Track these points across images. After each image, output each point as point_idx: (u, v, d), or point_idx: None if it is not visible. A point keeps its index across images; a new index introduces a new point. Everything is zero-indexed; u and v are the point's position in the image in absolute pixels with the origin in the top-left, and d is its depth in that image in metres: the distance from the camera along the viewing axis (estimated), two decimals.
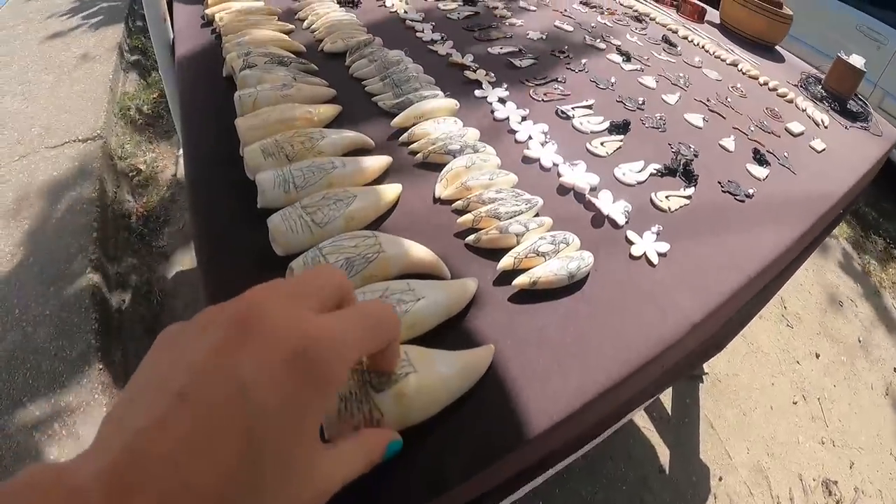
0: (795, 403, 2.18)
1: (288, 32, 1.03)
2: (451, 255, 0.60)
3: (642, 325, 0.57)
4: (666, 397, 2.02)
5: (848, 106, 1.33)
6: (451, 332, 0.52)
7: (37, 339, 1.77)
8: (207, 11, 1.10)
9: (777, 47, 1.59)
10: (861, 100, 1.40)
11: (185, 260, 2.24)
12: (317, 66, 0.90)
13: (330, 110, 0.77)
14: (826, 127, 1.18)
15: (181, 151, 2.74)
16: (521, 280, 0.56)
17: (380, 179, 0.69)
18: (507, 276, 0.58)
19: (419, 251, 0.56)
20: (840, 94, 1.35)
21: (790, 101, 1.24)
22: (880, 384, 2.41)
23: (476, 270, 0.59)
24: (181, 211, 2.47)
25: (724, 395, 2.11)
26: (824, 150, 1.07)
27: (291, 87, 0.78)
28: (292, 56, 0.90)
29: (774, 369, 2.29)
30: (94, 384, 1.66)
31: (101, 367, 1.70)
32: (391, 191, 0.64)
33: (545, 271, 0.57)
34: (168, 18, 1.19)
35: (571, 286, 0.59)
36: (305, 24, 1.08)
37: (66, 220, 2.25)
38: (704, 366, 2.12)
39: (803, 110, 1.21)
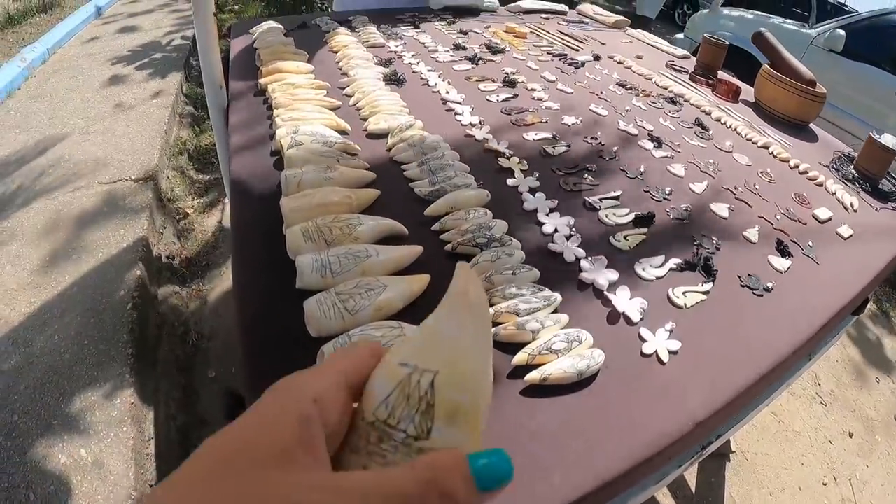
0: (825, 484, 2.14)
1: (335, 109, 1.11)
2: None
3: (646, 423, 0.61)
4: (690, 475, 2.00)
5: (880, 185, 1.36)
6: None
7: (72, 365, 1.85)
8: (261, 81, 1.19)
9: (811, 125, 1.62)
10: (894, 178, 1.42)
11: (223, 306, 2.33)
12: (360, 147, 0.98)
13: (368, 195, 0.84)
14: (855, 210, 1.20)
15: (227, 199, 2.86)
16: (531, 376, 0.61)
17: (411, 266, 0.74)
18: (521, 370, 0.63)
19: None
20: (872, 174, 1.38)
21: (820, 185, 1.26)
22: None
23: (493, 361, 0.63)
24: (223, 257, 2.57)
25: (751, 475, 2.08)
26: (851, 236, 1.09)
27: (335, 170, 0.85)
28: (337, 136, 0.98)
29: (805, 449, 2.26)
30: (124, 417, 1.72)
31: (132, 401, 1.77)
32: (419, 282, 0.70)
33: (555, 368, 0.61)
34: (224, 85, 1.28)
35: (582, 382, 0.63)
36: (352, 101, 1.16)
37: (112, 254, 2.36)
38: (732, 444, 2.10)
39: (833, 193, 1.24)
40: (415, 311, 0.68)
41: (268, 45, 1.37)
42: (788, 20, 5.51)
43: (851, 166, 1.41)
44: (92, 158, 3.07)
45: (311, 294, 0.66)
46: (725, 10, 5.76)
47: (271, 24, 1.55)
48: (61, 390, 1.79)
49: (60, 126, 3.44)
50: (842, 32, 4.50)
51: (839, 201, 1.22)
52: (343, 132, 1.03)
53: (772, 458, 2.16)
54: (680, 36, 6.09)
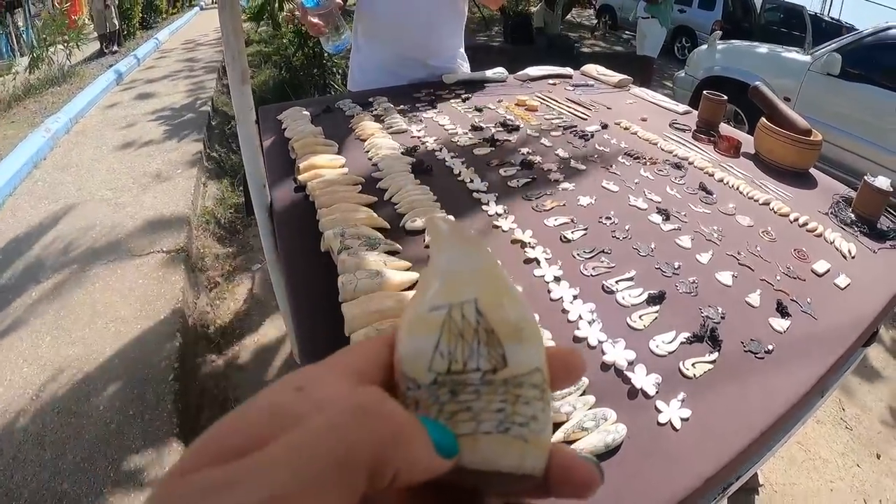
0: None
1: (371, 204, 1.29)
2: None
3: (661, 483, 0.77)
4: None
5: (878, 225, 1.48)
6: None
7: (119, 435, 2.03)
8: (299, 178, 1.37)
9: (811, 171, 1.75)
10: (892, 214, 1.54)
11: (259, 372, 2.50)
12: (400, 246, 1.16)
13: None
14: (853, 257, 1.33)
15: (257, 267, 3.03)
16: None
17: None
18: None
19: None
20: (868, 215, 1.49)
21: (819, 235, 1.40)
22: None
23: None
24: (256, 325, 2.74)
25: None
26: (848, 285, 1.22)
27: (382, 275, 1.02)
28: (380, 237, 1.16)
29: (833, 475, 2.34)
30: None
31: None
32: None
33: (587, 444, 0.78)
34: (267, 185, 1.46)
35: (608, 452, 0.79)
36: (387, 195, 1.34)
37: (149, 325, 2.55)
38: (760, 477, 2.19)
39: (831, 242, 1.37)
40: None
41: (299, 135, 1.55)
42: (785, 48, 5.72)
43: (849, 210, 1.53)
44: (123, 230, 3.28)
45: None
46: (722, 45, 6.00)
47: (299, 111, 1.73)
48: (109, 459, 1.95)
49: (89, 196, 3.65)
50: (837, 56, 4.71)
51: (837, 250, 1.35)
52: (383, 229, 1.21)
53: (800, 488, 2.26)
54: (681, 74, 6.35)
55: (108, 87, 6.37)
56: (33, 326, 2.60)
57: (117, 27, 9.86)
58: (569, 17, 13.86)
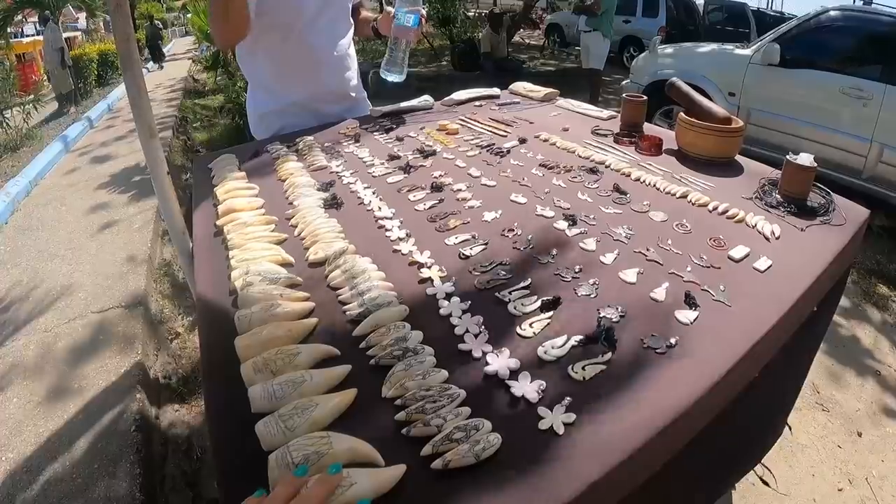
0: (841, 490, 2.20)
1: (281, 242, 1.31)
2: (391, 443, 0.82)
3: (540, 491, 0.76)
4: None
5: (807, 203, 1.48)
6: None
7: (85, 490, 2.07)
8: (218, 223, 1.39)
9: (737, 158, 1.77)
10: (824, 190, 1.53)
11: None
12: (301, 279, 1.19)
13: (307, 325, 1.04)
14: (777, 237, 1.33)
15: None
16: (435, 463, 0.78)
17: (343, 381, 0.93)
18: (429, 459, 0.79)
19: (359, 445, 0.79)
20: (796, 195, 1.49)
21: (740, 221, 1.40)
22: None
23: (409, 454, 0.80)
24: None
25: (760, 499, 2.15)
26: (769, 267, 1.21)
27: (278, 306, 1.04)
28: (282, 271, 1.19)
29: (813, 459, 2.33)
30: None
31: None
32: (346, 397, 0.89)
33: (454, 455, 0.78)
34: (186, 231, 1.48)
35: (481, 462, 0.79)
36: (296, 231, 1.37)
37: (111, 380, 2.58)
38: None
39: (753, 226, 1.37)
40: (346, 418, 0.87)
41: (222, 183, 1.58)
42: (728, 45, 5.85)
43: (776, 191, 1.53)
44: (83, 289, 3.33)
45: (264, 416, 0.85)
46: (664, 49, 6.18)
47: (229, 158, 1.76)
48: None
49: (49, 258, 3.72)
50: (776, 46, 4.83)
51: (760, 233, 1.34)
52: (288, 265, 1.24)
53: (779, 477, 2.23)
54: (627, 82, 6.54)
55: (62, 152, 6.49)
56: None
57: (72, 87, 10.01)
58: (517, 38, 14.10)
